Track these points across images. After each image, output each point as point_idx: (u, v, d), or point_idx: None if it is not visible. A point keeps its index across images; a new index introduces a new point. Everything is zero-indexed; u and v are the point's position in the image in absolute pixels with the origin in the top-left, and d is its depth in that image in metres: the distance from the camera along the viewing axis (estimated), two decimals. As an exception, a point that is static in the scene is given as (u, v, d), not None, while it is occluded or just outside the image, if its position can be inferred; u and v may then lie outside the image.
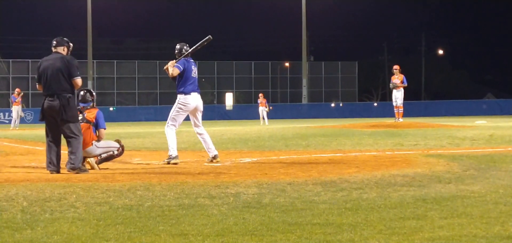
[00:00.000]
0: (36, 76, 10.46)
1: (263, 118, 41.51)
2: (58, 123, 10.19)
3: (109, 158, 11.11)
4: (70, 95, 10.19)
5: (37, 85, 10.46)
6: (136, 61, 69.75)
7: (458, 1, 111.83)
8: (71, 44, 10.60)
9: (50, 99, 10.15)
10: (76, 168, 10.08)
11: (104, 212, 6.61)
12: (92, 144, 10.90)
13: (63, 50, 10.40)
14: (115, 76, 67.67)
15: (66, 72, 10.14)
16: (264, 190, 7.93)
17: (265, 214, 6.38)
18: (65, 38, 10.55)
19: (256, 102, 47.69)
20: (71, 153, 10.16)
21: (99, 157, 11.00)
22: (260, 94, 43.55)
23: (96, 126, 11.05)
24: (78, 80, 10.23)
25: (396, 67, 28.79)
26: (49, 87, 10.16)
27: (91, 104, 11.23)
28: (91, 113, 11.11)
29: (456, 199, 7.22)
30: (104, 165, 11.04)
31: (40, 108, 10.37)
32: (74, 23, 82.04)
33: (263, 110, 41.78)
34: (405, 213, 6.40)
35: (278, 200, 7.22)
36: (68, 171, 10.08)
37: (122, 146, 11.28)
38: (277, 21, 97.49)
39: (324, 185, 8.32)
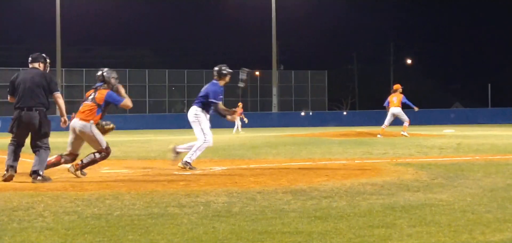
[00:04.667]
0: (9, 87, 10.45)
1: (237, 127, 41.84)
2: (32, 134, 10.25)
3: (91, 162, 11.00)
4: (46, 109, 10.30)
5: (9, 97, 10.47)
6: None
7: (426, 11, 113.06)
8: (48, 60, 10.71)
9: (29, 112, 10.18)
10: (40, 175, 10.05)
11: (73, 221, 6.54)
12: (89, 122, 10.84)
13: (39, 66, 10.53)
14: (84, 84, 67.09)
15: (46, 88, 10.27)
16: (234, 199, 7.92)
17: (235, 223, 6.36)
18: (43, 54, 10.62)
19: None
20: (38, 161, 10.18)
21: (81, 163, 10.90)
22: (239, 104, 43.65)
23: (106, 105, 11.01)
24: (59, 95, 10.39)
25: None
26: (28, 100, 10.20)
27: (104, 84, 11.16)
28: (101, 94, 11.07)
29: (424, 207, 7.26)
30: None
31: (12, 118, 10.32)
32: (43, 31, 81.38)
33: (238, 119, 42.06)
34: (374, 221, 6.42)
35: (248, 209, 7.21)
36: (31, 175, 10.05)
37: (107, 150, 11.05)
38: (247, 29, 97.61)
39: (294, 194, 8.33)
